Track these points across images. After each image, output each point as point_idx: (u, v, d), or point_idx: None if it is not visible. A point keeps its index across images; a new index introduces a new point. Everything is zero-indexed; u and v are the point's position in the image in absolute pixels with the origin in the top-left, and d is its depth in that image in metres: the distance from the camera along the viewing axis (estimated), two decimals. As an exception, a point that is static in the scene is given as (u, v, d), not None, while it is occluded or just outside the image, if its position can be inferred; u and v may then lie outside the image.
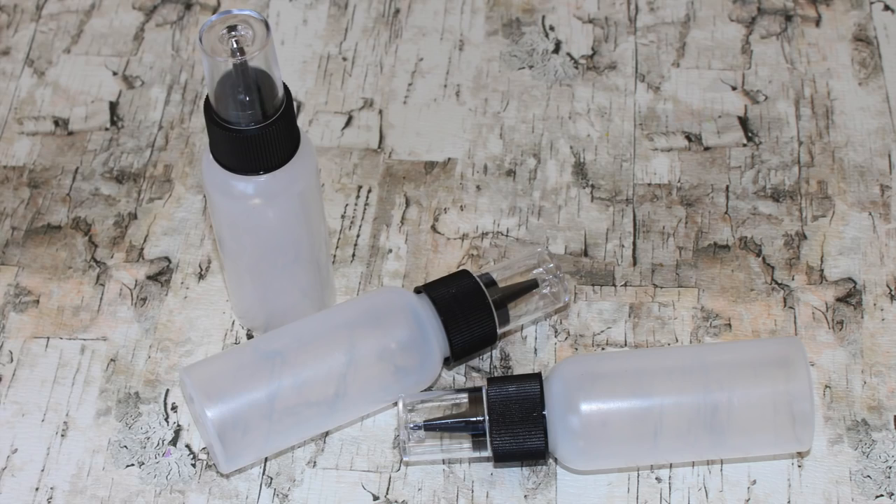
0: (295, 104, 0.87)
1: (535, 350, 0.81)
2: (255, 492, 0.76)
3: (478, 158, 0.90)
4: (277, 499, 0.75)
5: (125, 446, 0.77)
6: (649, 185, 0.88)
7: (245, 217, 0.74)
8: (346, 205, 0.88)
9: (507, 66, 0.95)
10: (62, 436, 0.78)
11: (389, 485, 0.76)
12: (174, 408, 0.79)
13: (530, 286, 0.79)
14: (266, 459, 0.77)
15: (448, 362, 0.78)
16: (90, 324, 0.82)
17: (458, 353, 0.77)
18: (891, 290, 0.82)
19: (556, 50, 0.95)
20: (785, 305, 0.82)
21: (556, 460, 0.76)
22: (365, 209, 0.87)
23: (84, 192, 0.89)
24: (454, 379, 0.80)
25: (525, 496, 0.75)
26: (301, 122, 0.92)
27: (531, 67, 0.95)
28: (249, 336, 0.82)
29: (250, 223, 0.74)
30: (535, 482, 0.75)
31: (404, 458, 0.75)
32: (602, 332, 0.81)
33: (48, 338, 0.82)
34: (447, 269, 0.84)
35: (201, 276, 0.84)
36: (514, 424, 0.72)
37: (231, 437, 0.73)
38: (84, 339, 0.82)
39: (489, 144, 0.90)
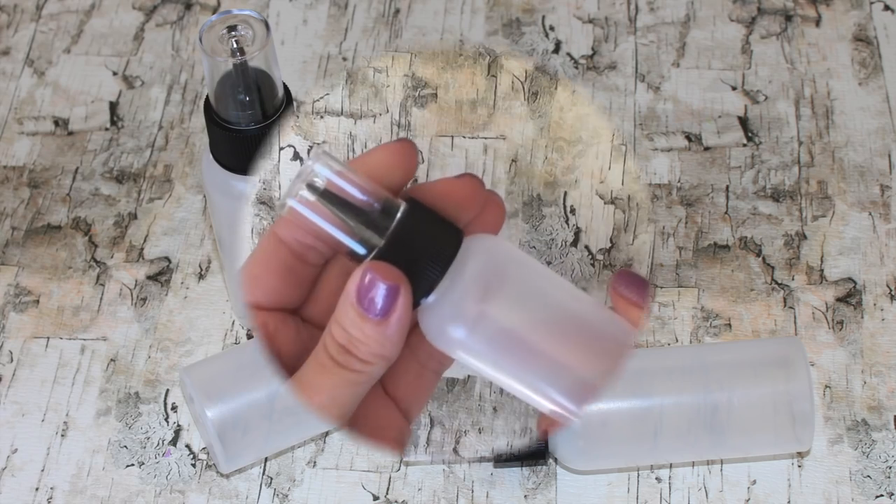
0: (295, 104, 0.87)
1: (535, 350, 0.81)
2: (255, 492, 0.75)
3: (478, 158, 0.90)
4: (277, 499, 0.75)
5: (125, 446, 0.77)
6: (649, 185, 0.88)
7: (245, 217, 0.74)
8: (346, 205, 0.88)
9: (507, 66, 0.95)
10: (62, 436, 0.78)
11: (389, 485, 0.76)
12: (174, 408, 0.79)
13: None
14: (266, 459, 0.77)
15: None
16: (90, 324, 0.82)
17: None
18: (891, 290, 0.82)
19: (556, 50, 0.95)
20: (785, 305, 0.82)
21: (556, 460, 0.76)
22: (365, 209, 0.87)
23: (84, 192, 0.88)
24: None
25: (525, 496, 0.75)
26: (301, 122, 0.92)
27: (531, 67, 0.95)
28: (249, 336, 0.82)
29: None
30: (535, 482, 0.75)
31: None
32: (602, 332, 0.81)
33: (48, 338, 0.82)
34: (447, 269, 0.84)
35: (201, 276, 0.84)
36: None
37: (231, 437, 0.73)
38: (84, 339, 0.82)
39: (489, 144, 0.90)
